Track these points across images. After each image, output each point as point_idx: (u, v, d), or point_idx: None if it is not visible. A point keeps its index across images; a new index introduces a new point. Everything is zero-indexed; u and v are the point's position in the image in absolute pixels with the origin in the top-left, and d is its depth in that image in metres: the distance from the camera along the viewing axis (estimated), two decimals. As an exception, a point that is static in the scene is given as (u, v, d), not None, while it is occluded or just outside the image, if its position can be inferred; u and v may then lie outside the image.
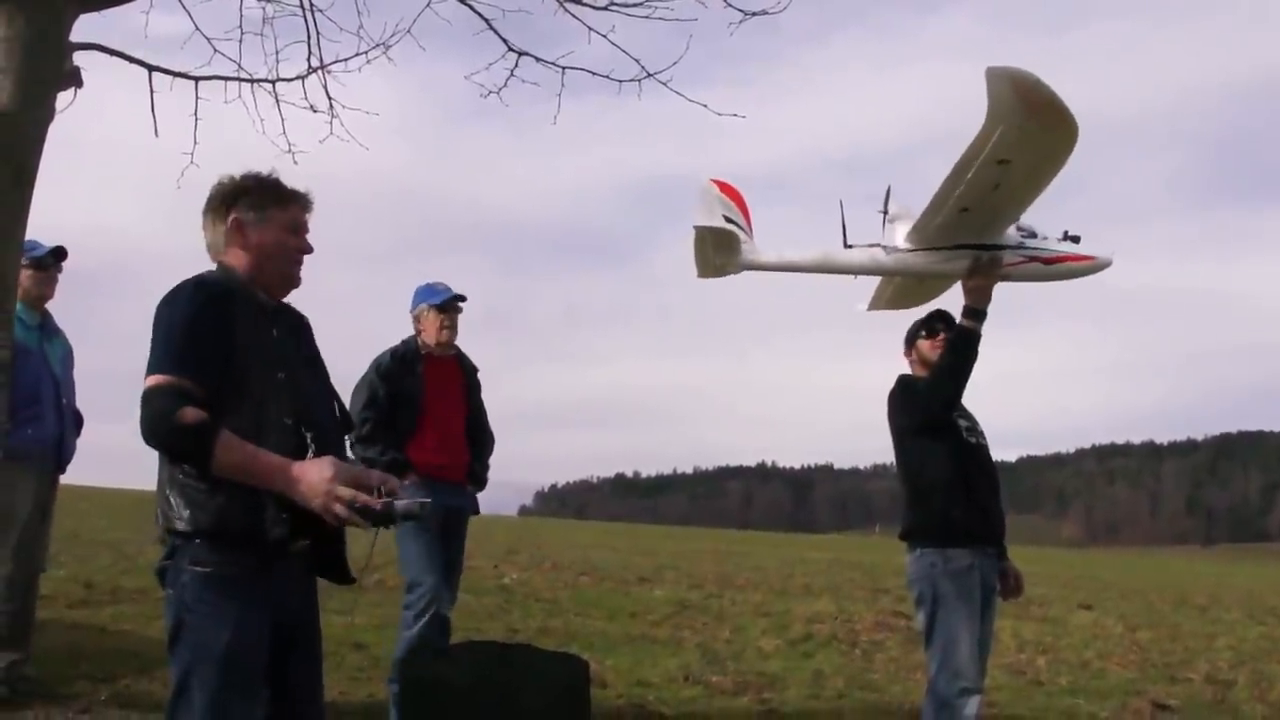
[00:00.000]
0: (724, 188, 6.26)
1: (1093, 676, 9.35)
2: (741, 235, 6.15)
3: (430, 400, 6.07)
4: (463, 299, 6.24)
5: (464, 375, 6.36)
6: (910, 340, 5.50)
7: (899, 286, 6.47)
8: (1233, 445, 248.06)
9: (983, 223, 5.64)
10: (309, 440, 2.99)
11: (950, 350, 5.17)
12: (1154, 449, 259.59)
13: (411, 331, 6.25)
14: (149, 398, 2.79)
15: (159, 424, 2.77)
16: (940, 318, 5.43)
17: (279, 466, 2.80)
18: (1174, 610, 18.36)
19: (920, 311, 5.82)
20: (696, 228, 6.10)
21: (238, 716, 2.84)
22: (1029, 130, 5.03)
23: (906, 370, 5.51)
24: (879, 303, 6.64)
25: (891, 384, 5.48)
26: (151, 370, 2.84)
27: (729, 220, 6.19)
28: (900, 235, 6.00)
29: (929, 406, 5.20)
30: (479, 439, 6.39)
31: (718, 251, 6.12)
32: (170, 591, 2.92)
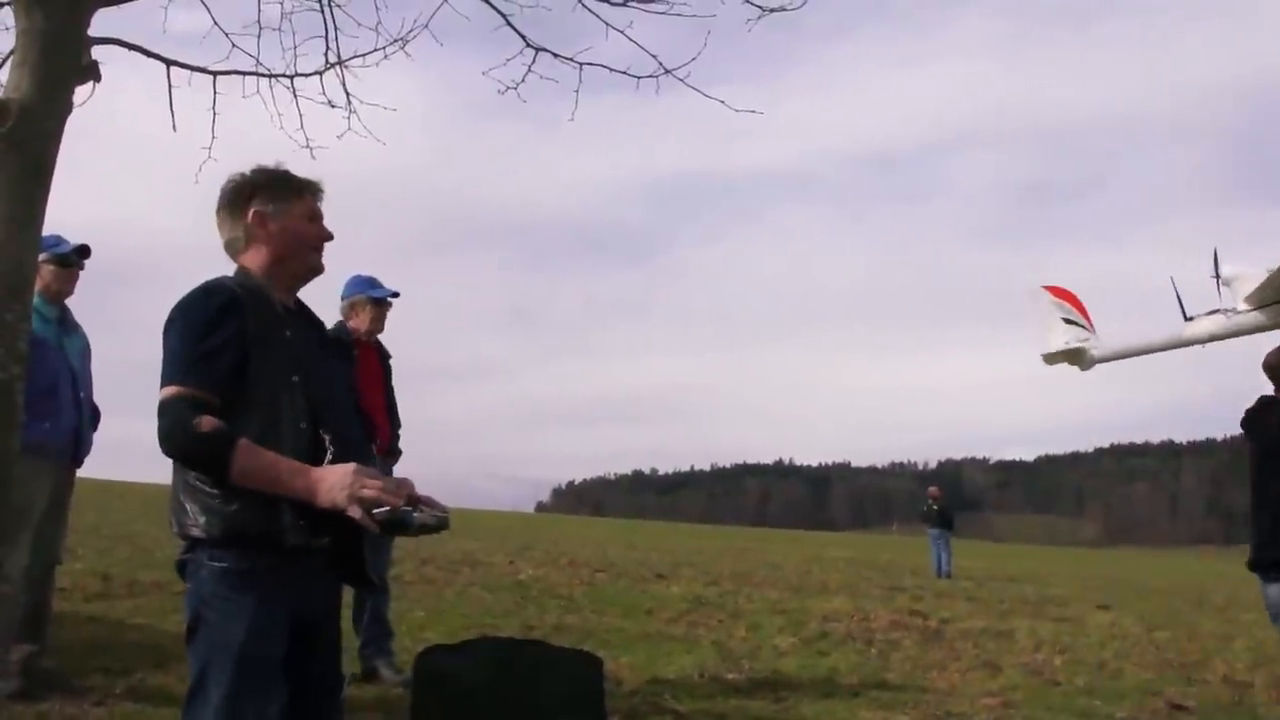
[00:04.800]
0: (1057, 292, 6.46)
1: (1110, 677, 9.30)
2: (1085, 336, 6.33)
3: (360, 383, 6.66)
4: (396, 295, 6.97)
5: (381, 360, 7.06)
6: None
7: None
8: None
9: None
10: (327, 443, 2.97)
11: None
12: (1173, 448, 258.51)
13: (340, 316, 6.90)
14: (164, 409, 2.78)
15: (176, 435, 2.76)
16: None
17: (299, 470, 2.79)
18: (1192, 610, 18.29)
19: None
20: (1046, 357, 6.32)
21: (253, 712, 2.82)
22: None
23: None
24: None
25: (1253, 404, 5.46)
26: (165, 381, 2.83)
27: (1069, 321, 6.37)
28: (1240, 297, 6.02)
29: None
30: (393, 417, 7.11)
31: (1070, 361, 6.32)
32: (189, 585, 2.92)
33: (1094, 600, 18.69)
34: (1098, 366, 6.23)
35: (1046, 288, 6.19)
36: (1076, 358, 5.87)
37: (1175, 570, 49.99)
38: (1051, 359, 5.93)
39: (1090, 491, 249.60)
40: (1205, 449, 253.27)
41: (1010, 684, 8.39)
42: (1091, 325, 6.08)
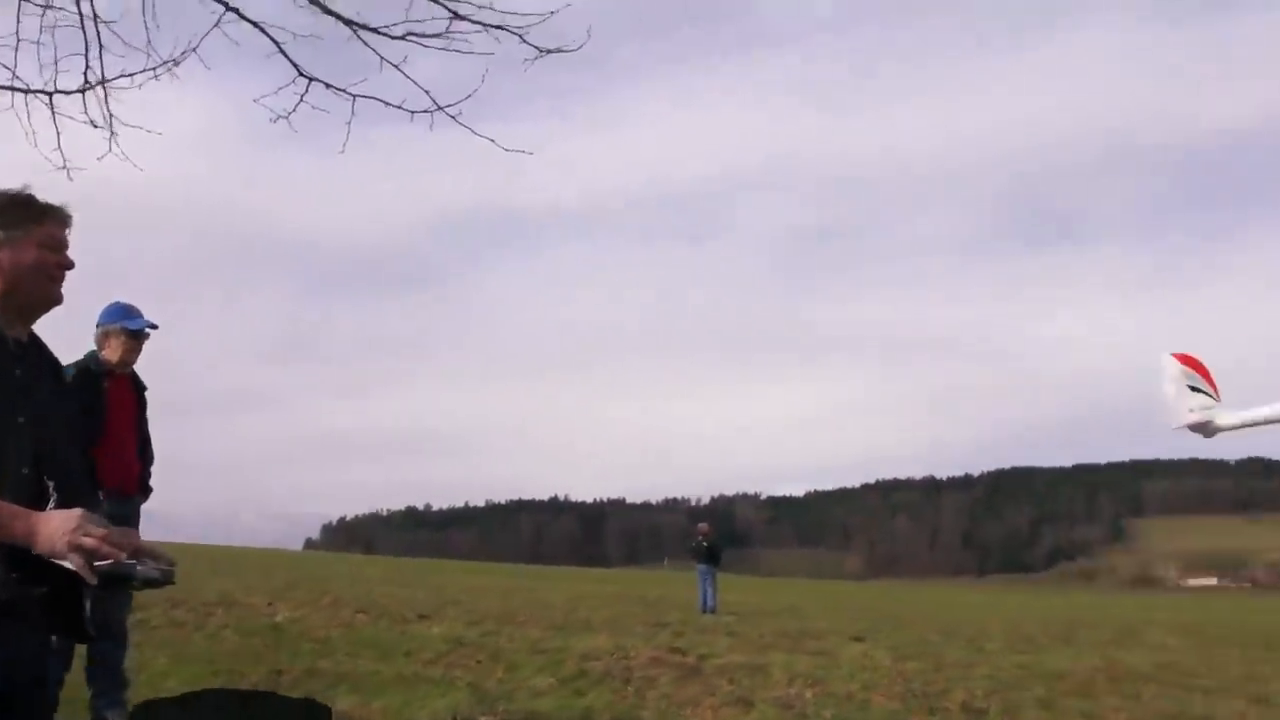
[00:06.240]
0: (1184, 360, 6.90)
1: (857, 708, 9.58)
2: (1210, 404, 6.80)
3: (111, 416, 6.55)
4: (155, 327, 6.79)
5: (135, 391, 6.88)
6: None
7: None
8: (1006, 480, 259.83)
9: None
10: (51, 490, 2.81)
11: None
12: (934, 483, 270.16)
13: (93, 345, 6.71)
14: None
15: None
16: None
17: (19, 514, 2.62)
18: (942, 640, 19.01)
19: None
20: (1175, 427, 6.84)
21: None
22: None
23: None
24: None
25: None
26: None
27: (1194, 389, 6.81)
28: None
29: None
30: (145, 452, 6.95)
31: (1196, 430, 6.78)
32: None
33: (850, 632, 19.25)
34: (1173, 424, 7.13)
35: (1175, 355, 6.63)
36: (1204, 427, 6.48)
37: (932, 601, 52.00)
38: (1180, 428, 6.56)
39: (855, 526, 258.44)
40: (963, 484, 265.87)
41: (761, 718, 8.56)
42: (1217, 393, 6.62)
